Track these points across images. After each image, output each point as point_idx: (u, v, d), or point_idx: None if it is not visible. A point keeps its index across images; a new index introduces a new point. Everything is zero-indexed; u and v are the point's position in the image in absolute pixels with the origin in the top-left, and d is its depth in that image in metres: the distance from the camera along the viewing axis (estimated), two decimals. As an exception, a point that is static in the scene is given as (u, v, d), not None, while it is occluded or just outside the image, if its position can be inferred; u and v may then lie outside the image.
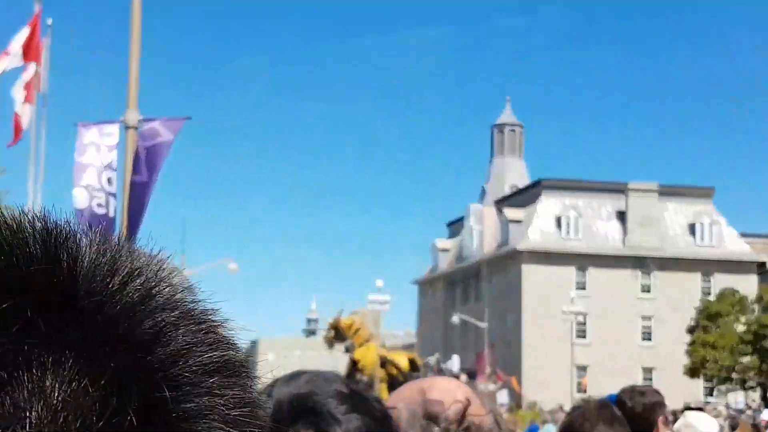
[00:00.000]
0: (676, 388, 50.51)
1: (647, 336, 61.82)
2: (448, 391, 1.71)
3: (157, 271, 0.52)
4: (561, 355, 57.42)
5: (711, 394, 55.20)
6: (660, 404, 3.51)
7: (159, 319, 0.49)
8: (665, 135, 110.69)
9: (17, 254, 0.47)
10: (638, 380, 55.05)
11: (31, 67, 13.42)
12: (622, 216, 63.71)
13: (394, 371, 23.13)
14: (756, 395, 48.36)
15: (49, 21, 14.08)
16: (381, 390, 20.61)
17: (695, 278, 62.41)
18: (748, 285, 57.00)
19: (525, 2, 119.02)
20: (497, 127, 79.22)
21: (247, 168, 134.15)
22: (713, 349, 46.92)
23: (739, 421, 20.25)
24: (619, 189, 64.07)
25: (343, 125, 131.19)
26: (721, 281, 59.88)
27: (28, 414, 0.43)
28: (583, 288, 61.22)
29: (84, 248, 0.49)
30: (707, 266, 62.42)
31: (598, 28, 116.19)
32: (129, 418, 0.45)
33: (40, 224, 0.48)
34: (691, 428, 5.27)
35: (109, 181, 9.68)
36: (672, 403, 15.13)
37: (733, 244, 63.77)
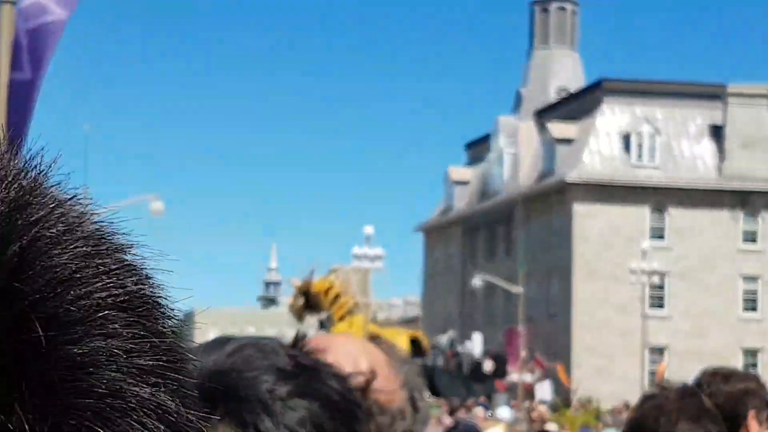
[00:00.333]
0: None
1: (751, 305, 62.27)
2: (347, 356, 1.75)
3: (36, 180, 0.56)
4: (627, 332, 57.87)
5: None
6: (751, 393, 3.54)
7: (33, 234, 0.52)
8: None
9: None
10: (738, 366, 55.50)
11: None
12: (717, 133, 63.68)
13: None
14: None
15: None
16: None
17: (821, 222, 62.70)
18: None
19: None
20: (539, 5, 78.67)
21: (181, 61, 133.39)
22: None
23: None
24: (713, 94, 63.92)
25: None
26: None
27: None
28: (661, 237, 61.47)
29: None
30: (839, 205, 62.68)
31: None
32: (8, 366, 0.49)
33: None
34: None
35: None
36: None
37: None
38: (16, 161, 0.57)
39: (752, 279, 62.32)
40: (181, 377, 0.56)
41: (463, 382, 58.20)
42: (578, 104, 67.10)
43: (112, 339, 0.52)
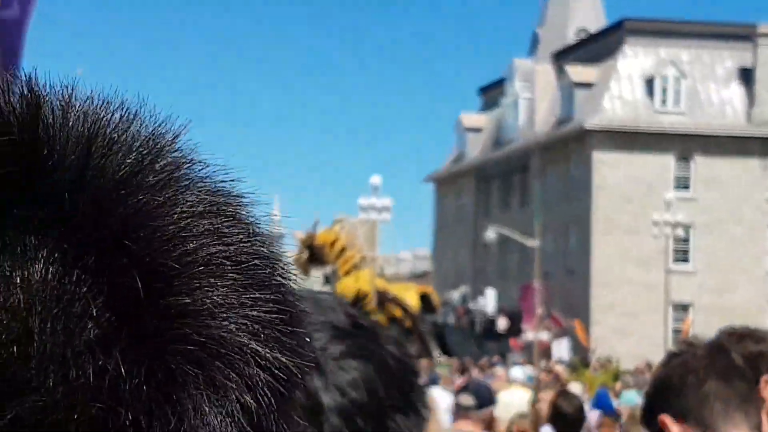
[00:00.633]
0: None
1: (781, 259, 62.31)
2: None
3: (154, 142, 0.63)
4: (650, 288, 57.99)
5: None
6: (766, 357, 3.51)
7: (149, 197, 0.59)
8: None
9: None
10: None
11: None
12: (746, 76, 63.47)
13: (399, 313, 23.34)
14: None
15: None
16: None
17: None
18: None
19: None
20: (557, -60, 78.31)
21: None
22: None
23: None
24: (743, 35, 63.62)
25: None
26: None
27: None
28: (686, 187, 61.43)
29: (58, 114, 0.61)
30: None
31: None
32: (108, 315, 0.57)
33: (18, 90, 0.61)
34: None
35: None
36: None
37: None
38: (140, 127, 0.63)
39: (782, 232, 62.32)
40: (290, 330, 0.62)
41: (476, 341, 58.52)
42: (598, 46, 66.86)
43: (217, 290, 0.58)
